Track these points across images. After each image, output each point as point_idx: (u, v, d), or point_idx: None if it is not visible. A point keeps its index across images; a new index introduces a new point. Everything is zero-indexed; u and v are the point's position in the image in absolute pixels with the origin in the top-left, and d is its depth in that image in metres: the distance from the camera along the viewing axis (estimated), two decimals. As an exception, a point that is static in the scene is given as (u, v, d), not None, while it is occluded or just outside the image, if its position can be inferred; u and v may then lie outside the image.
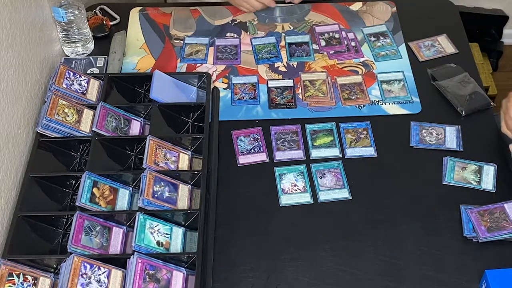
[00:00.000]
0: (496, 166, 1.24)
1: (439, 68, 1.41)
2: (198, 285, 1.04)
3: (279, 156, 1.28)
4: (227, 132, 1.32)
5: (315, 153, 1.28)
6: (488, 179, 1.23)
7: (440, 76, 1.39)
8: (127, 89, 1.36)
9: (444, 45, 1.49)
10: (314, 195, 1.22)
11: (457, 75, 1.39)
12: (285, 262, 1.13)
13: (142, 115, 1.31)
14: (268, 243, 1.15)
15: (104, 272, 1.03)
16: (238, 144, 1.30)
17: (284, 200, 1.21)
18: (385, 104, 1.37)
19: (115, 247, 1.11)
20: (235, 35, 1.54)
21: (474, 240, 1.14)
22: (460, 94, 1.35)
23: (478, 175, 1.23)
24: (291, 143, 1.30)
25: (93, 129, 1.23)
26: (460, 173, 1.24)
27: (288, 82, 1.42)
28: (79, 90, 1.31)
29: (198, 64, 1.47)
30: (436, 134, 1.31)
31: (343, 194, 1.22)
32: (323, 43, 1.51)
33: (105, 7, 1.59)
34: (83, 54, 1.47)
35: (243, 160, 1.28)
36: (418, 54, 1.48)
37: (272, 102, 1.38)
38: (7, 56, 1.16)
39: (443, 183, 1.23)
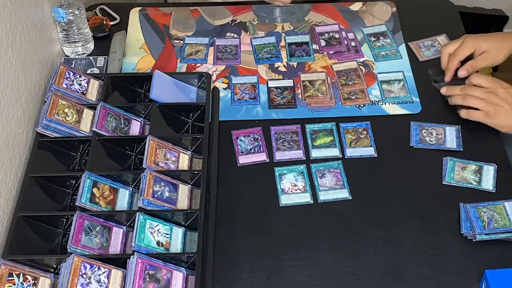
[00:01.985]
0: (496, 166, 1.24)
1: (439, 68, 1.41)
2: (198, 285, 1.04)
3: (279, 156, 1.28)
4: (227, 132, 1.32)
5: (315, 153, 1.28)
6: (488, 179, 1.23)
7: (440, 76, 1.39)
8: (127, 89, 1.36)
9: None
10: (314, 195, 1.22)
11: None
12: (285, 262, 1.13)
13: (142, 115, 1.31)
14: (268, 243, 1.15)
15: (104, 272, 1.03)
16: (238, 144, 1.30)
17: (284, 200, 1.21)
18: (385, 104, 1.37)
19: (115, 247, 1.11)
20: (235, 35, 1.54)
21: (469, 238, 1.14)
22: None
23: (478, 175, 1.23)
24: (291, 143, 1.30)
25: (93, 129, 1.23)
26: (460, 173, 1.24)
27: (288, 82, 1.42)
28: (79, 90, 1.31)
29: (198, 64, 1.47)
30: (436, 134, 1.31)
31: (343, 194, 1.22)
32: (323, 43, 1.51)
33: (105, 7, 1.59)
34: (83, 54, 1.47)
35: (243, 160, 1.28)
36: (418, 54, 1.48)
37: (272, 102, 1.38)
38: (7, 56, 1.16)
39: (443, 183, 1.23)
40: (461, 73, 1.34)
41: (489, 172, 1.24)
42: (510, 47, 1.34)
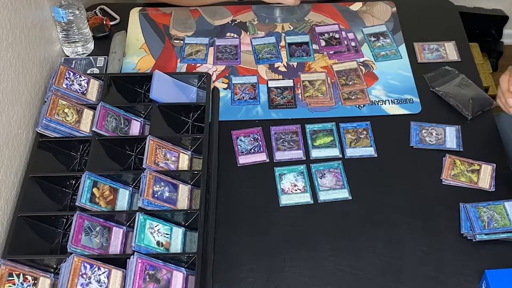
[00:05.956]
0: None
1: (435, 73, 1.41)
2: (198, 285, 1.04)
3: (279, 156, 1.28)
4: (227, 132, 1.32)
5: (315, 153, 1.28)
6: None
7: (436, 80, 1.39)
8: (127, 89, 1.36)
9: (449, 51, 1.47)
10: (314, 195, 1.22)
11: (454, 79, 1.39)
12: (285, 262, 1.13)
13: (142, 115, 1.31)
14: (268, 243, 1.15)
15: (104, 272, 1.03)
16: (238, 144, 1.30)
17: (284, 200, 1.21)
18: (385, 104, 1.37)
19: (115, 247, 1.11)
20: (235, 35, 1.54)
21: (469, 238, 1.14)
22: (463, 98, 1.34)
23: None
24: (291, 143, 1.30)
25: (93, 129, 1.23)
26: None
27: (288, 82, 1.42)
28: (79, 90, 1.31)
29: (198, 64, 1.47)
30: (436, 134, 1.31)
31: (343, 194, 1.22)
32: (323, 43, 1.51)
33: (105, 7, 1.59)
34: (83, 54, 1.47)
35: (243, 160, 1.28)
36: (419, 55, 1.47)
37: (272, 102, 1.38)
38: (7, 56, 1.16)
39: (443, 183, 1.23)
40: None
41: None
42: None
